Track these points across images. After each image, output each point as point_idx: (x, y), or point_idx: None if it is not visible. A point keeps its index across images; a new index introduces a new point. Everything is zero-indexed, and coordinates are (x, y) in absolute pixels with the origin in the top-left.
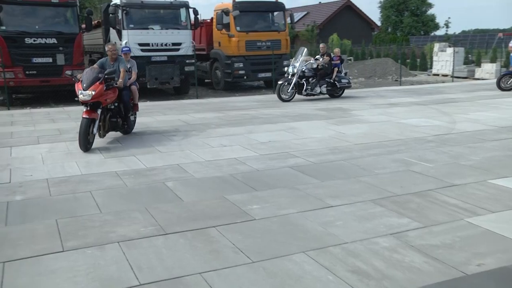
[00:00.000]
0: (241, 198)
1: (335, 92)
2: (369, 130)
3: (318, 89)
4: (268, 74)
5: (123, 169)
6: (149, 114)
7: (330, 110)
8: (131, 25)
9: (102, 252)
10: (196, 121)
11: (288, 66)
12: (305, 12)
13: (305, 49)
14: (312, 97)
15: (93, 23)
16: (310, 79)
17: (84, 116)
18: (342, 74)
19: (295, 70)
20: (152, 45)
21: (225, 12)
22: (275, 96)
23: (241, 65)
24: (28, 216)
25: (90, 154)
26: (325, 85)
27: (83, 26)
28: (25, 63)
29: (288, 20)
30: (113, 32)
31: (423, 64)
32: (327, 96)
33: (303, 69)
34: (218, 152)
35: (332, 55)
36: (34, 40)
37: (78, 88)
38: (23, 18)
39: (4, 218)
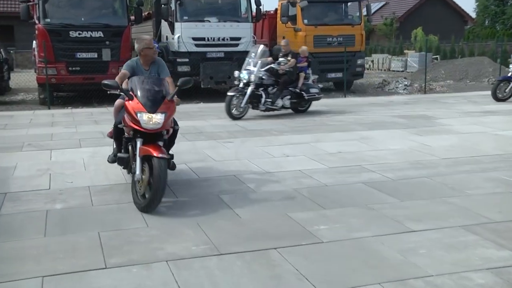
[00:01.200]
0: (307, 217)
1: (300, 105)
2: (459, 142)
3: (280, 102)
4: (339, 75)
5: (173, 179)
6: (203, 117)
7: (412, 118)
8: (185, 17)
9: (148, 271)
10: (255, 126)
11: (249, 71)
12: (383, 3)
13: (263, 47)
14: (270, 112)
15: (143, 14)
16: (269, 89)
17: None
18: (310, 82)
19: (252, 77)
20: (208, 40)
21: (291, 2)
22: (346, 100)
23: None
24: (68, 227)
25: None
26: (289, 97)
27: (132, 18)
28: (68, 59)
29: (364, 11)
30: (164, 25)
31: None
32: (289, 111)
33: (261, 75)
34: (280, 163)
35: (298, 57)
36: (79, 34)
37: (135, 109)
38: (68, 10)
39: (43, 228)
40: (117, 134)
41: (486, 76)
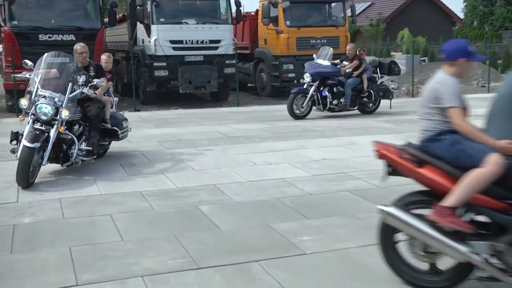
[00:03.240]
0: (290, 228)
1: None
2: None
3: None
4: None
5: (150, 189)
6: (181, 124)
7: (399, 122)
8: (162, 19)
9: None
10: (236, 133)
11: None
12: (369, 3)
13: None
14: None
15: (117, 16)
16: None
17: None
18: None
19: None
20: (186, 43)
21: (273, 3)
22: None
23: (291, 66)
24: (37, 242)
25: (111, 170)
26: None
27: (106, 20)
28: None
29: (349, 12)
30: (140, 28)
31: None
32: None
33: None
34: (262, 171)
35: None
36: (49, 37)
37: None
38: (37, 11)
39: (9, 244)
40: None
41: (476, 79)
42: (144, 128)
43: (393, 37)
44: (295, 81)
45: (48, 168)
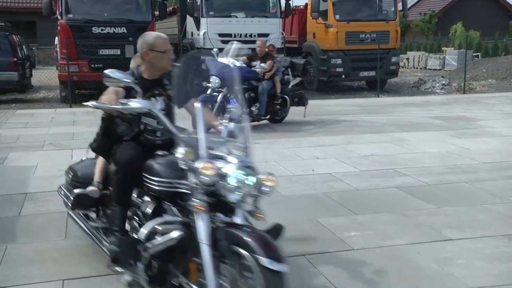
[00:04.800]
0: (337, 223)
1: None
2: (502, 146)
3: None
4: (372, 73)
5: None
6: None
7: (450, 119)
8: (211, 12)
9: None
10: (283, 127)
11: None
12: None
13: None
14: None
15: (167, 10)
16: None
17: None
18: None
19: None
20: (235, 36)
21: None
22: (379, 99)
23: (339, 61)
24: None
25: None
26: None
27: (157, 13)
28: (91, 55)
29: (400, 6)
30: (190, 21)
31: None
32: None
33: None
34: (310, 165)
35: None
36: (102, 30)
37: None
38: (91, 5)
39: (63, 230)
40: None
41: None
42: None
43: (444, 32)
44: (343, 76)
45: None
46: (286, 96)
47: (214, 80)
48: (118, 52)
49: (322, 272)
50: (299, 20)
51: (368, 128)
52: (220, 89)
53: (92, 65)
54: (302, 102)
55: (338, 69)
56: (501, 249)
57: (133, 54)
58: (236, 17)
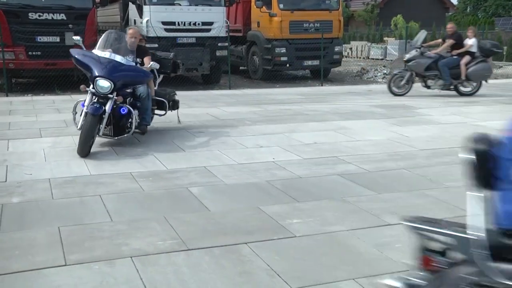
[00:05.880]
0: (280, 210)
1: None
2: (438, 133)
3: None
4: (316, 62)
5: (140, 171)
6: None
7: (390, 108)
8: (154, 0)
9: (112, 269)
10: (227, 116)
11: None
12: None
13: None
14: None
15: None
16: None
17: None
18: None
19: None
20: (178, 24)
21: None
22: (323, 88)
23: (283, 50)
24: (26, 222)
25: (101, 151)
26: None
27: (98, 0)
28: (27, 42)
29: None
30: (132, 8)
31: None
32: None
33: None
34: (253, 154)
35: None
36: (40, 16)
37: None
38: None
39: None
40: None
41: None
42: None
43: (386, 23)
44: (288, 65)
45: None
46: (164, 100)
47: (103, 85)
48: (58, 39)
49: (265, 259)
50: (243, 9)
51: (312, 117)
52: (110, 94)
53: (30, 53)
54: (176, 106)
55: (283, 58)
56: None
57: (73, 42)
58: (180, 4)
